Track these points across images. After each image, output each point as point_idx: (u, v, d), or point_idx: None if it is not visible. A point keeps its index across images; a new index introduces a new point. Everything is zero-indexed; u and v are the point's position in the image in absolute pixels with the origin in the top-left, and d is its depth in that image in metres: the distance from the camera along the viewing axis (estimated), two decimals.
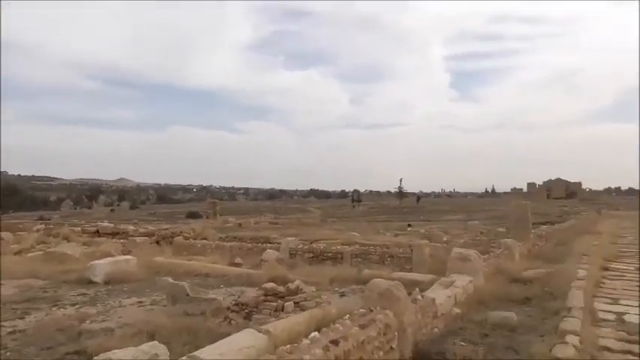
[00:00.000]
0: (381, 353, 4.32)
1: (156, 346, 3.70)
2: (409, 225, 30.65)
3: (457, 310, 6.48)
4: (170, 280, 7.90)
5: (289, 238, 15.53)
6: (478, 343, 5.07)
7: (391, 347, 4.52)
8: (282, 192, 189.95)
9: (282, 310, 6.81)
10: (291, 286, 7.36)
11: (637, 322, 6.30)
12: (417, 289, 5.93)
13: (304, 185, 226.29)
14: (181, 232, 18.77)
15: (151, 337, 4.99)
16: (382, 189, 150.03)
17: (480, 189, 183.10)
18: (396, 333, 4.65)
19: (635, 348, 5.26)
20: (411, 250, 12.25)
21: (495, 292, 7.65)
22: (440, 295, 6.28)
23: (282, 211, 63.78)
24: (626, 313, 6.78)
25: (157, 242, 17.64)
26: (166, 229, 20.19)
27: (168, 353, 3.75)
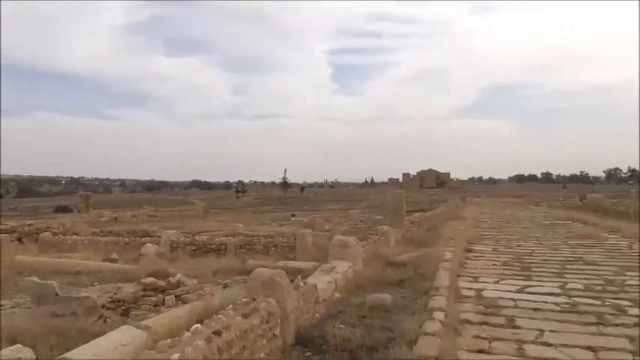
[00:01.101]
0: (264, 341, 4.38)
1: (20, 350, 3.40)
2: (293, 215, 31.13)
3: (338, 295, 6.76)
4: (36, 279, 7.25)
5: (170, 231, 14.97)
6: (356, 324, 5.33)
7: (274, 334, 4.60)
8: (163, 183, 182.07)
9: (163, 305, 6.59)
10: (172, 279, 7.15)
11: (493, 296, 7.07)
12: (300, 277, 6.08)
13: (186, 176, 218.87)
14: (48, 228, 17.21)
15: (12, 342, 4.55)
16: (267, 180, 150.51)
17: (360, 179, 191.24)
18: (279, 320, 4.74)
19: (490, 319, 5.91)
20: (295, 239, 12.48)
21: (373, 276, 8.10)
22: (321, 281, 6.50)
23: (163, 203, 61.23)
24: (484, 289, 7.57)
25: (19, 240, 16.01)
26: (30, 224, 18.40)
27: (35, 356, 3.46)
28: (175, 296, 6.76)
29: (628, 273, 8.85)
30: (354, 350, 4.53)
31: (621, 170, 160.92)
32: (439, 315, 5.49)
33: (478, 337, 5.24)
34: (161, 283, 7.06)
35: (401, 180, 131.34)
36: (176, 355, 3.11)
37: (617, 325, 5.71)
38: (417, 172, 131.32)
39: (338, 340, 4.69)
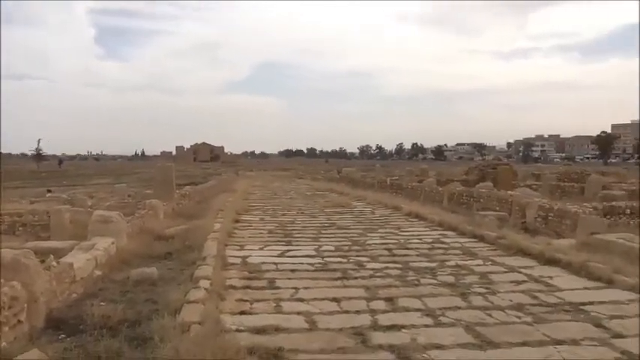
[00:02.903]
0: (7, 329, 3.91)
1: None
2: (49, 190, 27.73)
3: (99, 273, 6.36)
4: None
5: None
6: (118, 300, 5.13)
7: (19, 320, 4.14)
8: None
9: None
10: None
11: (257, 262, 7.54)
12: (52, 256, 5.53)
13: None
14: None
15: None
16: (15, 151, 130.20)
17: (130, 152, 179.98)
18: (26, 305, 4.28)
19: (253, 283, 6.31)
20: (49, 216, 11.20)
21: (138, 251, 7.82)
22: (79, 260, 6.02)
23: None
24: (249, 256, 8.01)
25: None
26: None
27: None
28: None
29: (369, 234, 10.39)
30: (114, 326, 4.36)
31: (371, 147, 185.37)
32: (204, 283, 5.64)
33: (241, 300, 5.56)
34: None
35: (174, 153, 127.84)
36: None
37: (356, 277, 6.70)
38: (191, 146, 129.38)
39: (96, 318, 4.46)
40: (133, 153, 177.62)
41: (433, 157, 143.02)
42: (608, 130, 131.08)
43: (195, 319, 4.40)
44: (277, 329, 4.58)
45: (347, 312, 5.19)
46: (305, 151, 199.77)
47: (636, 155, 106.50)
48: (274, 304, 5.44)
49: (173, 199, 14.11)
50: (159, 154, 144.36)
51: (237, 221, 11.99)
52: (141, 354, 3.82)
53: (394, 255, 8.26)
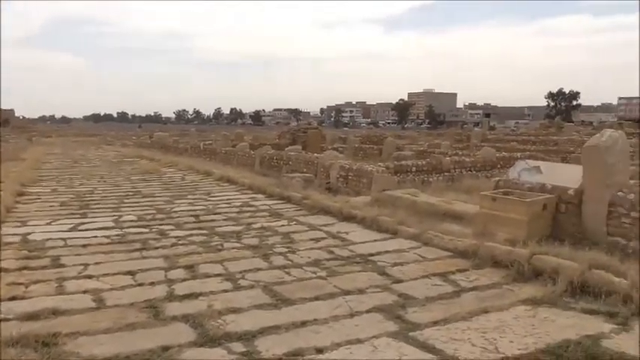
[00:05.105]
0: None
1: None
2: None
3: None
4: None
5: None
6: None
7: None
8: None
9: None
10: None
11: (41, 239, 6.66)
12: None
13: None
14: None
15: None
16: None
17: None
18: None
19: (32, 263, 5.53)
20: None
21: None
22: None
23: None
24: (32, 232, 7.03)
25: None
26: None
27: None
28: None
29: (176, 201, 9.95)
30: None
31: (188, 112, 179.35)
32: None
33: (13, 283, 4.81)
34: None
35: None
36: None
37: (157, 247, 6.33)
38: None
39: None
40: None
41: (252, 123, 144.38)
42: (406, 98, 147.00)
43: None
44: (55, 312, 4.05)
45: (141, 285, 4.85)
46: (115, 116, 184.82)
47: (427, 120, 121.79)
48: (56, 285, 4.82)
49: None
50: None
51: (21, 194, 10.47)
52: None
53: (201, 221, 8.03)
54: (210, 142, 25.12)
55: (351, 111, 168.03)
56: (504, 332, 3.73)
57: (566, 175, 6.51)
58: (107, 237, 6.87)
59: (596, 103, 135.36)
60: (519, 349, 3.44)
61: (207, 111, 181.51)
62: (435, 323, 3.90)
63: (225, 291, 4.71)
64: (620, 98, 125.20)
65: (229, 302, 4.37)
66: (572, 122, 58.27)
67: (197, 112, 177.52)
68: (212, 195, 10.79)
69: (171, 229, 7.40)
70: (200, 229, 7.43)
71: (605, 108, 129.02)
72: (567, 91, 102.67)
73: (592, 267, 4.57)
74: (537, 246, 5.25)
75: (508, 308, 4.23)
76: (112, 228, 7.48)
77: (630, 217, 5.62)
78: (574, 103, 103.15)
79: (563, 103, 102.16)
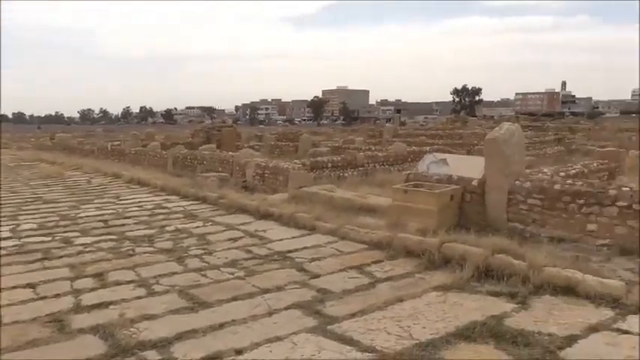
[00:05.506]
0: None
1: None
2: None
3: None
4: None
5: None
6: None
7: None
8: None
9: None
10: None
11: None
12: None
13: None
14: None
15: None
16: None
17: None
18: None
19: None
20: None
21: None
22: None
23: None
24: None
25: None
26: None
27: None
28: None
29: (82, 206, 9.36)
30: None
31: (94, 111, 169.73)
32: None
33: None
34: None
35: None
36: None
37: (61, 257, 5.92)
38: None
39: None
40: None
41: (163, 121, 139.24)
42: (320, 95, 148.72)
43: None
44: None
45: (44, 298, 4.52)
46: (10, 117, 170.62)
47: (341, 117, 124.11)
48: None
49: None
50: None
51: None
52: None
53: (110, 226, 7.62)
54: (118, 142, 23.88)
55: (267, 108, 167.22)
56: (417, 319, 3.89)
57: (471, 167, 6.92)
58: (3, 248, 6.32)
59: (496, 99, 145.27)
60: (431, 334, 3.60)
61: (116, 110, 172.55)
62: (353, 315, 3.99)
63: (139, 298, 4.52)
64: (517, 94, 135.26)
65: (143, 309, 4.19)
66: (476, 116, 62.08)
67: (104, 112, 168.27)
68: (122, 198, 10.28)
69: (77, 236, 6.95)
70: (109, 234, 7.05)
71: (504, 103, 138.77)
72: (470, 88, 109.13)
73: (495, 252, 4.88)
74: (446, 235, 5.53)
75: (421, 296, 4.41)
76: (9, 238, 6.89)
77: (527, 203, 6.10)
78: (477, 98, 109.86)
79: (467, 99, 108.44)
